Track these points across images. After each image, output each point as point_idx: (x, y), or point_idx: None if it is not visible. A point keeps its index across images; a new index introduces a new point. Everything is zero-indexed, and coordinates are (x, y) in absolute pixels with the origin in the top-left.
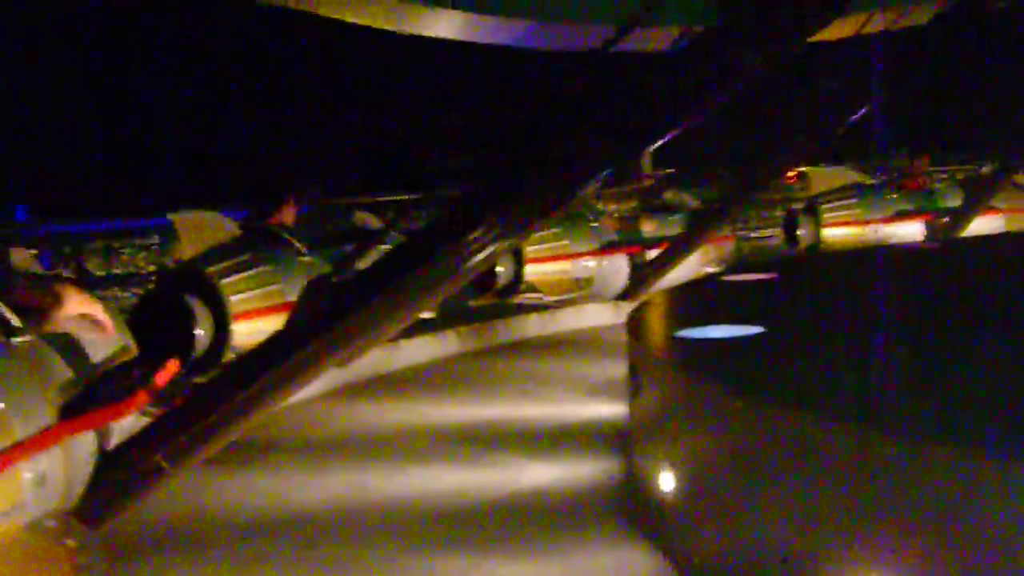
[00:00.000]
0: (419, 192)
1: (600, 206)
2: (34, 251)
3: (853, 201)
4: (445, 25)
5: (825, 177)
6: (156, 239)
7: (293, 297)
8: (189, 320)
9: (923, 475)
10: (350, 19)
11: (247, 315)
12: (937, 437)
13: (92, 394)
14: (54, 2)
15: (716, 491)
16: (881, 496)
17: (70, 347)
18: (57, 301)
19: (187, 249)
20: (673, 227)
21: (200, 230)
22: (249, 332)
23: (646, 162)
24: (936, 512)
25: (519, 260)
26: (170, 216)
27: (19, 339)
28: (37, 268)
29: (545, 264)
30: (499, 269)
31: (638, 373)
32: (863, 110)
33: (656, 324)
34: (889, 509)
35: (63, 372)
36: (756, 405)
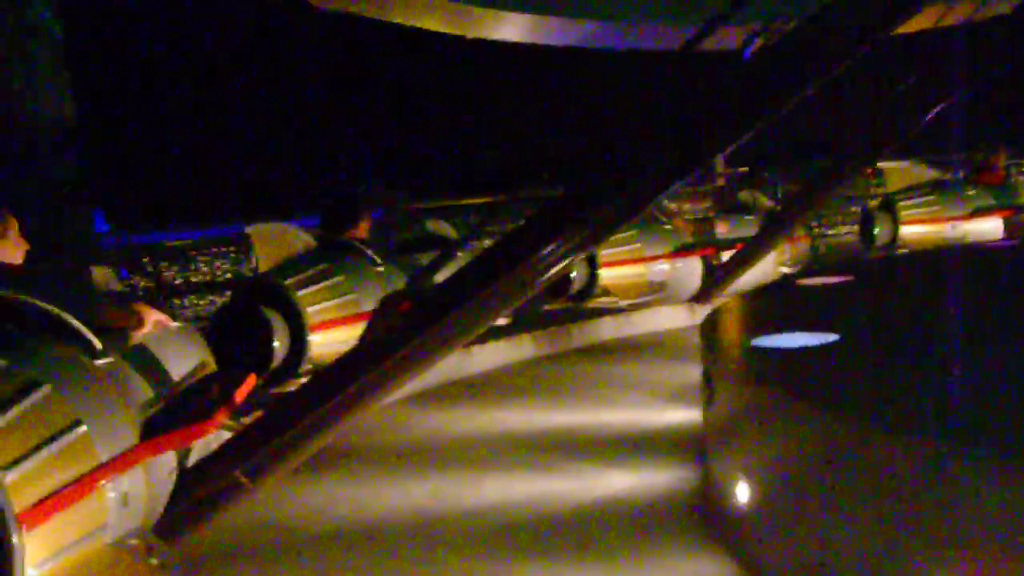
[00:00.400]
0: (495, 195)
1: (673, 207)
2: (111, 268)
3: (930, 198)
4: (511, 28)
5: (901, 173)
6: (233, 248)
7: (369, 307)
8: (266, 332)
9: (1002, 490)
10: (412, 23)
11: (324, 326)
12: (1018, 451)
13: (173, 413)
14: (146, 8)
15: (791, 501)
16: (959, 510)
17: (151, 366)
18: (138, 320)
19: (263, 261)
20: (747, 228)
21: (275, 242)
22: (326, 343)
23: (720, 161)
24: (1018, 528)
25: (593, 264)
26: (246, 230)
27: (102, 361)
28: (117, 284)
29: (619, 268)
30: (573, 274)
31: (712, 381)
32: (941, 105)
33: (730, 331)
34: (967, 524)
35: (145, 392)
36: (831, 416)
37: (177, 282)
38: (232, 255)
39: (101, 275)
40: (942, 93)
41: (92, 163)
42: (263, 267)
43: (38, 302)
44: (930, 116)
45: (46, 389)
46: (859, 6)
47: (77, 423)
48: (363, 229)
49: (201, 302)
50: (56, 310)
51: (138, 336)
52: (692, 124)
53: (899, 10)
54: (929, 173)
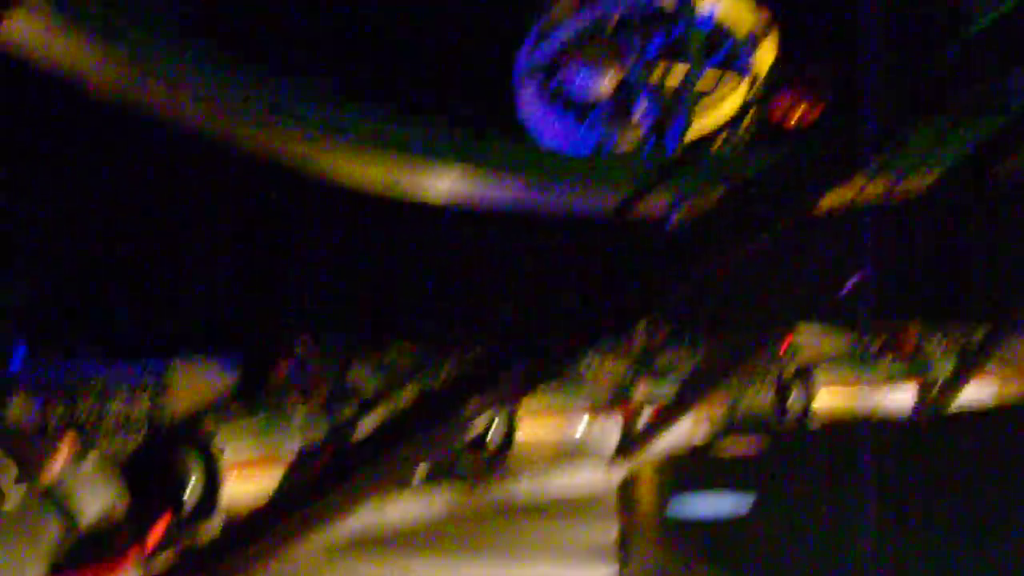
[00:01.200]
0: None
1: (595, 364)
2: (26, 402)
3: (845, 367)
4: (441, 186)
5: (816, 341)
6: (151, 384)
7: (286, 452)
8: (181, 473)
9: None
10: (343, 177)
11: (240, 467)
12: None
13: (84, 551)
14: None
15: None
16: None
17: (63, 502)
18: (50, 455)
19: (182, 399)
20: (668, 388)
21: (196, 378)
22: (243, 486)
23: (642, 324)
24: None
25: (511, 419)
26: (167, 364)
27: (12, 497)
28: (31, 419)
29: (537, 423)
30: (490, 428)
31: (628, 542)
32: (858, 276)
33: (647, 493)
34: None
35: (56, 529)
36: None
37: (92, 418)
38: (151, 390)
39: (16, 409)
40: (858, 264)
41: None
42: (181, 406)
43: None
44: (847, 287)
45: None
46: (783, 180)
47: None
48: (281, 369)
49: (116, 439)
50: None
51: (51, 470)
52: (618, 288)
53: (821, 185)
54: (845, 342)
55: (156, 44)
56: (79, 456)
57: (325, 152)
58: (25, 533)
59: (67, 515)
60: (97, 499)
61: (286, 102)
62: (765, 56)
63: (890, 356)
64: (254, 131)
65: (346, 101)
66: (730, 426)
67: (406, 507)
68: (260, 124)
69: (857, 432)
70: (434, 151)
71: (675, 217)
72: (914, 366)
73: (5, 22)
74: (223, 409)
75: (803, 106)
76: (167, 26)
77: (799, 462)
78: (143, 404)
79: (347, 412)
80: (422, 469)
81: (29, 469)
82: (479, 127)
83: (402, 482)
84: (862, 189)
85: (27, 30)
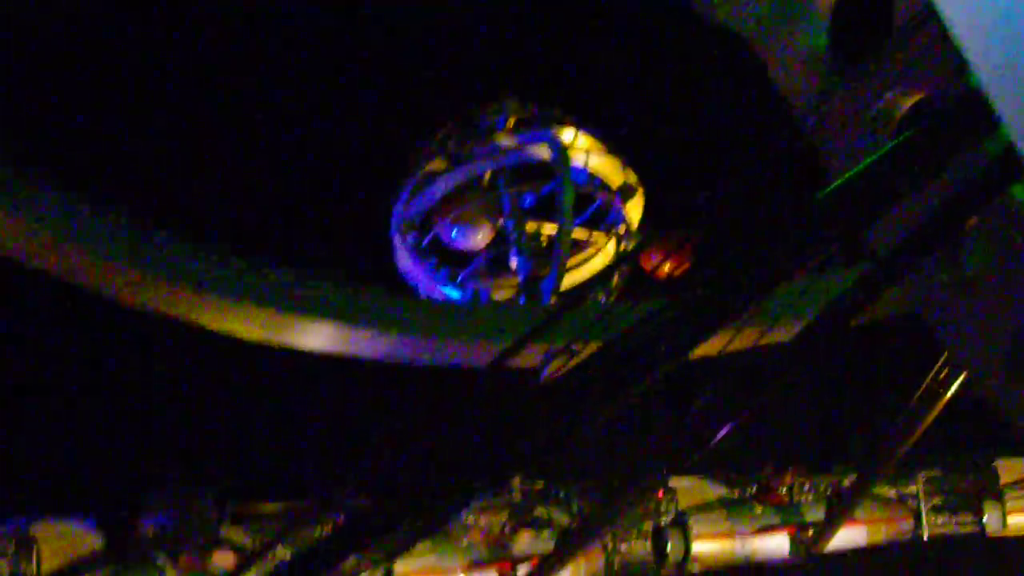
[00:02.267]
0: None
1: (470, 521)
2: None
3: (719, 515)
4: (318, 338)
5: (692, 490)
6: (12, 546)
7: None
8: None
9: None
10: (220, 329)
11: None
12: None
13: None
14: None
15: None
16: None
17: None
18: None
19: (47, 561)
20: (544, 543)
21: (61, 542)
22: None
23: (516, 480)
24: None
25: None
26: (32, 526)
27: None
28: None
29: None
30: None
31: None
32: (728, 427)
33: None
34: None
35: None
36: None
37: None
38: (11, 553)
39: None
40: (731, 412)
41: None
42: (46, 568)
43: None
44: (720, 435)
45: None
46: (656, 332)
47: None
48: (149, 531)
49: None
50: None
51: None
52: (494, 440)
53: (691, 338)
54: (719, 491)
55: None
56: None
57: (198, 306)
58: None
59: None
60: None
61: (156, 254)
62: (634, 212)
63: (763, 503)
64: (122, 283)
65: (222, 254)
66: (610, 572)
67: None
68: (127, 276)
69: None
70: (309, 304)
71: (547, 370)
72: (787, 513)
73: None
74: (90, 570)
75: (672, 261)
76: None
77: None
78: (3, 567)
79: (220, 569)
80: None
81: None
82: (355, 280)
83: None
84: (730, 341)
85: None
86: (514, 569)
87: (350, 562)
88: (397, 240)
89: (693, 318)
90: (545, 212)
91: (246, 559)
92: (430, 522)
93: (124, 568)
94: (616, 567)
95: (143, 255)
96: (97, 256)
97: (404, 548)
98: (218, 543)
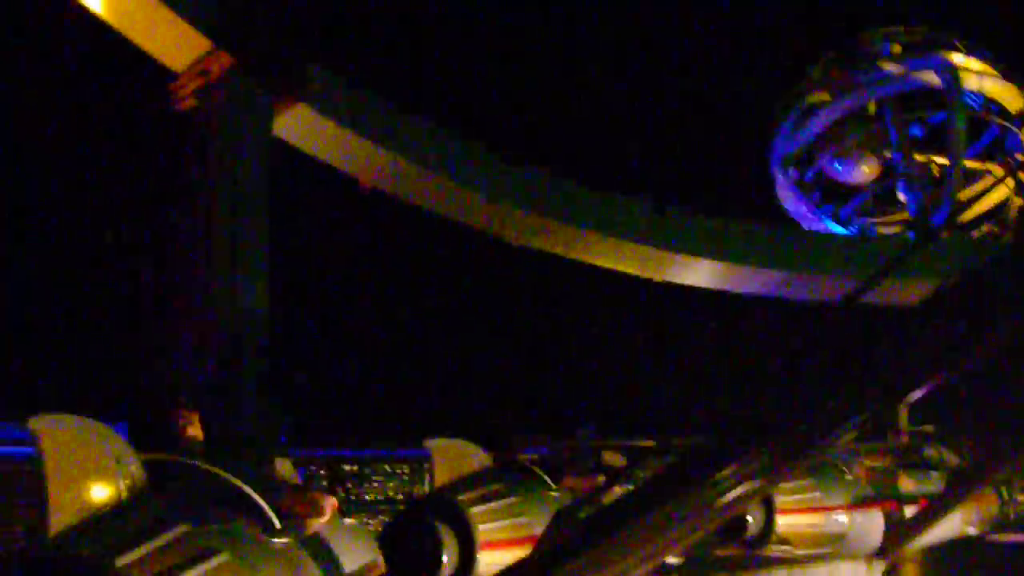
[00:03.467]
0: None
1: (857, 461)
2: (293, 469)
3: None
4: (699, 273)
5: None
6: (407, 469)
7: (538, 531)
8: (436, 546)
9: None
10: (603, 264)
11: (494, 545)
12: None
13: None
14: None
15: None
16: None
17: (324, 554)
18: (315, 509)
19: (440, 476)
20: (932, 484)
21: (454, 458)
22: (495, 563)
23: (904, 417)
24: None
25: (770, 509)
26: (426, 443)
27: (278, 540)
28: (296, 477)
29: (796, 515)
30: (748, 518)
31: None
32: None
33: None
34: None
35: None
36: None
37: (352, 495)
38: (405, 476)
39: (283, 467)
40: None
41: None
42: (438, 482)
43: (226, 475)
44: None
45: (223, 557)
46: None
47: None
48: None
49: (373, 521)
50: (242, 484)
51: (314, 525)
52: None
53: None
54: None
55: None
56: (339, 519)
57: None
58: (288, 568)
59: (327, 564)
60: (356, 558)
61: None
62: None
63: None
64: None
65: (604, 196)
66: (1001, 522)
67: None
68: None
69: None
70: (691, 241)
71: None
72: None
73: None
74: (480, 488)
75: None
76: None
77: None
78: (400, 486)
79: (597, 488)
80: (677, 555)
81: (293, 520)
82: (737, 217)
83: (659, 555)
84: None
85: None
86: (900, 509)
87: (723, 477)
88: (779, 175)
89: None
90: (935, 143)
91: (617, 474)
92: (805, 445)
93: (510, 483)
94: (1010, 513)
95: (529, 196)
96: (489, 197)
97: (770, 473)
98: (599, 465)
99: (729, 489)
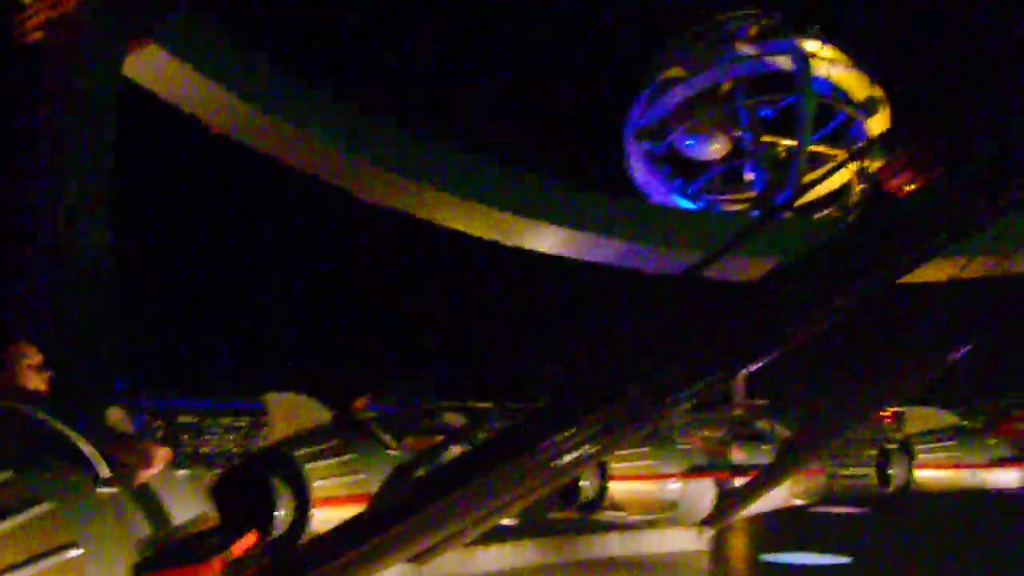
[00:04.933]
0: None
1: (692, 431)
2: (127, 417)
3: (949, 443)
4: (547, 240)
5: (920, 417)
6: (246, 422)
7: (374, 488)
8: (271, 499)
9: None
10: (453, 225)
11: (329, 501)
12: None
13: (170, 554)
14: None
15: None
16: None
17: (154, 504)
18: (146, 460)
19: (276, 430)
20: (763, 456)
21: (291, 413)
22: (330, 519)
23: (738, 390)
24: None
25: (604, 475)
26: (264, 396)
27: (105, 490)
28: (129, 427)
29: (630, 482)
30: (583, 483)
31: None
32: (962, 351)
33: (741, 548)
34: None
35: (145, 528)
36: None
37: (189, 448)
38: (244, 430)
39: (116, 415)
40: (963, 340)
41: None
42: (275, 436)
43: (53, 422)
44: (951, 364)
45: (46, 506)
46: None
47: (72, 544)
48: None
49: (209, 473)
50: (69, 432)
51: (145, 475)
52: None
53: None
54: (948, 419)
55: None
56: (172, 469)
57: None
58: (114, 526)
59: (156, 516)
60: (187, 509)
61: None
62: (878, 129)
63: (992, 436)
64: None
65: (461, 157)
66: (828, 493)
67: (496, 557)
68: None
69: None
70: (540, 207)
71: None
72: (1017, 448)
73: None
74: (317, 443)
75: (913, 176)
76: None
77: (897, 524)
78: (237, 439)
79: (434, 448)
80: (513, 516)
81: (123, 470)
82: (587, 186)
83: (486, 519)
84: (963, 267)
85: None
86: (732, 479)
87: (553, 437)
88: (631, 147)
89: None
90: (784, 126)
91: (455, 434)
92: (636, 412)
93: (349, 440)
94: (836, 485)
95: (378, 150)
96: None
97: (603, 438)
98: (437, 424)
99: (564, 453)
